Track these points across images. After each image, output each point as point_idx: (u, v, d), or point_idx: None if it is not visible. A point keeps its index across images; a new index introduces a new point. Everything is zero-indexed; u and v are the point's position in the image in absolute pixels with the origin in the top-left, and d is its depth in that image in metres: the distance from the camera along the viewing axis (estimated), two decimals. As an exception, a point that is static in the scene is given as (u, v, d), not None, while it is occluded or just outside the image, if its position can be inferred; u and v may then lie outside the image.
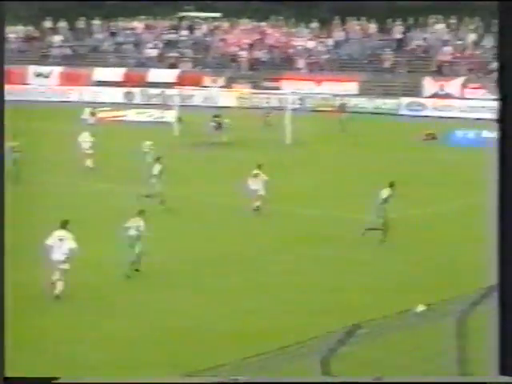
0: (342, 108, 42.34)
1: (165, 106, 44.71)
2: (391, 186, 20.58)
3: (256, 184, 23.29)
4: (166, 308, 15.74)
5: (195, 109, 44.11)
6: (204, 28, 56.69)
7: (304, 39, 53.29)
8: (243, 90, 48.93)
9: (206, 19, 57.50)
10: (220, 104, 47.14)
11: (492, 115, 47.28)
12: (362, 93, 48.25)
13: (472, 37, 49.17)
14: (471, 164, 27.18)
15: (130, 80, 51.97)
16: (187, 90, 45.66)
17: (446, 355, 10.10)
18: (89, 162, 29.53)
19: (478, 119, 42.53)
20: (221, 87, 49.70)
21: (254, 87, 49.51)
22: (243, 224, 22.06)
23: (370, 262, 18.70)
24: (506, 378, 8.65)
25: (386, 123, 42.06)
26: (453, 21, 50.34)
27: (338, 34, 52.97)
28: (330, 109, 46.38)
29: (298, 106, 45.28)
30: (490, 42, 48.56)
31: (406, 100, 46.70)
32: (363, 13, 53.13)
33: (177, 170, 27.88)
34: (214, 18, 57.74)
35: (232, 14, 57.56)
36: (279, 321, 15.00)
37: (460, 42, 49.24)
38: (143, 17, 57.60)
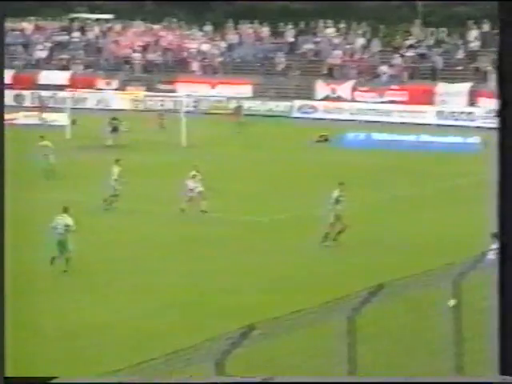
0: (238, 111, 42.57)
1: (56, 109, 43.95)
2: (341, 184, 20.90)
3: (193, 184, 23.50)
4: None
5: (90, 112, 43.60)
6: (96, 30, 56.05)
7: (198, 42, 53.54)
8: (138, 92, 48.72)
9: (97, 21, 56.85)
10: (114, 107, 46.77)
11: (382, 117, 48.81)
12: (256, 96, 48.90)
13: (360, 41, 50.70)
14: (362, 164, 28.15)
15: (20, 82, 50.76)
16: (80, 93, 45.11)
17: (335, 354, 10.38)
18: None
19: (368, 122, 44.03)
20: (115, 90, 49.33)
21: (149, 90, 49.37)
22: (136, 228, 22.10)
23: (263, 265, 19.09)
24: (506, 378, 8.63)
25: (279, 125, 42.79)
26: (342, 25, 51.75)
27: (232, 37, 53.51)
28: (224, 111, 46.84)
29: (192, 109, 45.47)
30: (377, 46, 50.23)
31: (298, 103, 47.64)
32: (256, 16, 53.88)
33: (65, 172, 27.55)
34: (107, 20, 57.18)
35: (125, 15, 57.16)
36: (174, 322, 15.19)
37: (349, 46, 50.67)
38: (32, 18, 56.37)
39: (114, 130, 35.88)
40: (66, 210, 18.82)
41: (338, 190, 20.64)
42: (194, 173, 24.24)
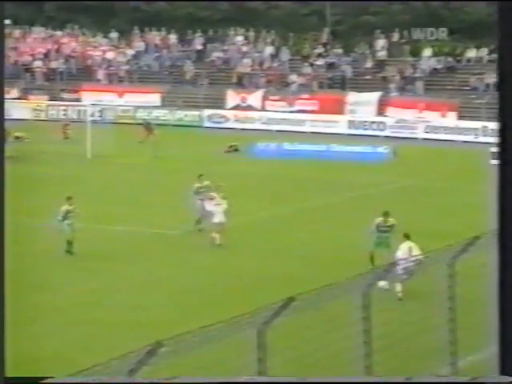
0: (149, 128, 40.06)
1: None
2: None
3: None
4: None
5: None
6: (-6, 35, 54.74)
7: (103, 49, 52.99)
8: (39, 101, 47.81)
9: (-5, 26, 55.56)
10: (14, 116, 45.73)
11: (291, 127, 49.63)
12: (164, 105, 48.75)
13: (269, 49, 51.29)
14: (272, 175, 28.49)
15: None
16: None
17: (245, 369, 10.46)
18: None
19: (278, 131, 44.55)
20: (15, 99, 48.23)
21: (52, 99, 48.54)
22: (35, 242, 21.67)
23: (173, 278, 19.06)
24: (506, 378, 8.69)
25: (189, 135, 42.77)
26: (251, 33, 52.23)
27: (138, 45, 53.19)
28: (131, 121, 46.48)
29: (98, 118, 44.96)
30: (286, 54, 50.93)
31: (207, 112, 47.76)
32: (163, 23, 53.77)
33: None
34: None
35: (23, 21, 56.04)
36: (78, 341, 15.00)
37: (258, 55, 51.18)
38: None
39: (15, 141, 35.14)
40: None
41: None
42: None
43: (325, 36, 51.28)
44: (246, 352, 10.51)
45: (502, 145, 8.47)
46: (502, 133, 8.48)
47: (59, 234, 20.30)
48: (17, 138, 37.50)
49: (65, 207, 20.32)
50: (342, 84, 48.26)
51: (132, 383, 8.31)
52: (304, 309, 10.74)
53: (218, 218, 21.71)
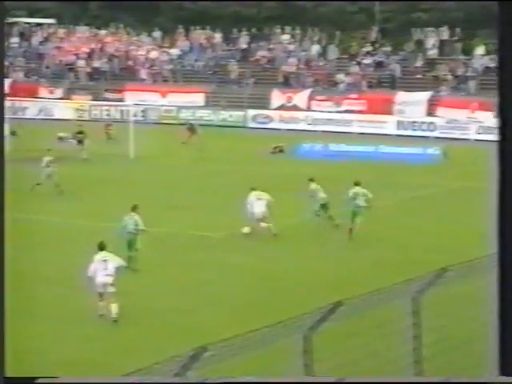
0: (192, 129, 40.45)
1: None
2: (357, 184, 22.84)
3: None
4: None
5: (30, 122, 43.18)
6: (37, 35, 55.55)
7: (146, 48, 53.42)
8: (84, 101, 48.40)
9: (39, 25, 56.37)
10: (57, 116, 46.43)
11: (339, 127, 49.29)
12: (208, 105, 48.98)
13: (316, 48, 51.18)
14: (318, 176, 28.33)
15: (-46, 91, 50.06)
16: (20, 102, 44.68)
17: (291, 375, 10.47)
18: None
19: (325, 132, 44.44)
20: (59, 99, 48.94)
21: (95, 99, 49.11)
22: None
23: (215, 281, 19.16)
24: (506, 378, 8.78)
25: (232, 136, 42.91)
26: (297, 31, 52.19)
27: (182, 44, 53.51)
28: (175, 121, 46.81)
29: (140, 119, 45.38)
30: (333, 54, 50.77)
31: (252, 112, 47.85)
32: (208, 22, 54.01)
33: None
34: (48, 25, 56.72)
35: (68, 20, 56.80)
36: (121, 344, 15.15)
37: (304, 53, 51.12)
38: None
39: (80, 142, 35.50)
40: (134, 209, 19.60)
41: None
42: None
43: (373, 34, 51.00)
44: (291, 357, 10.51)
45: (503, 142, 8.59)
46: (503, 131, 8.60)
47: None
48: (60, 138, 38.04)
49: (127, 216, 19.78)
50: (391, 83, 47.97)
51: (143, 383, 8.40)
52: (352, 314, 10.71)
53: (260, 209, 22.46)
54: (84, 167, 33.15)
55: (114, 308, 16.30)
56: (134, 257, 19.34)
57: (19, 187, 29.08)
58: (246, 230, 22.60)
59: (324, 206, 23.60)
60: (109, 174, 32.00)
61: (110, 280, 16.38)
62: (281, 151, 38.51)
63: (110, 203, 25.68)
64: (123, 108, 45.62)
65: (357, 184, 23.12)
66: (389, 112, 45.65)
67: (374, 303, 10.84)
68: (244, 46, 52.48)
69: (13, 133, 38.35)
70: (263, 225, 22.60)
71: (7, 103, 42.85)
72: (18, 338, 15.07)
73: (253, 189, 23.06)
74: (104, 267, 16.42)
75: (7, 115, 40.36)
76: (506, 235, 8.66)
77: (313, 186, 23.89)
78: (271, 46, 52.09)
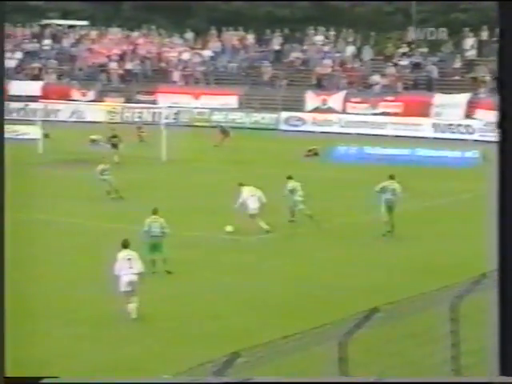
0: (224, 131, 40.71)
1: (27, 121, 43.89)
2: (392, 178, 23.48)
3: None
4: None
5: (63, 124, 43.54)
6: (70, 37, 56.04)
7: (178, 50, 53.63)
8: (115, 103, 48.70)
9: (71, 27, 56.87)
10: (89, 119, 46.75)
11: (373, 130, 49.02)
12: (241, 107, 49.01)
13: (351, 49, 51.00)
14: (354, 180, 28.30)
15: (-12, 93, 50.64)
16: (52, 104, 45.05)
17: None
18: None
19: (359, 134, 44.24)
20: (91, 101, 49.29)
21: (128, 101, 49.37)
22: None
23: (249, 287, 19.12)
24: (506, 378, 8.87)
25: (265, 139, 42.89)
26: (331, 32, 52.04)
27: (214, 45, 53.64)
28: (207, 124, 46.93)
29: (173, 121, 45.55)
30: (368, 54, 50.54)
31: (285, 114, 47.79)
32: (240, 23, 54.09)
33: (35, 189, 27.64)
34: (81, 26, 57.20)
35: (100, 22, 57.23)
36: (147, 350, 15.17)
37: (339, 55, 50.95)
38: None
39: (114, 146, 35.67)
40: (156, 212, 19.60)
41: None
42: None
43: (410, 35, 50.69)
44: (326, 364, 10.44)
45: (503, 144, 8.59)
46: (503, 131, 8.60)
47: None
48: (93, 140, 38.30)
49: (150, 219, 19.80)
50: (429, 85, 47.61)
51: (145, 383, 8.39)
52: (388, 321, 10.62)
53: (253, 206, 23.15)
54: (116, 171, 33.30)
55: (133, 308, 16.29)
56: (157, 260, 19.32)
57: (55, 190, 29.26)
58: (229, 228, 22.98)
59: (302, 203, 24.03)
60: (140, 178, 32.12)
61: (135, 278, 16.37)
62: (315, 154, 38.37)
63: (141, 206, 25.75)
64: (155, 110, 45.81)
65: (391, 178, 23.24)
66: (426, 114, 45.30)
67: (412, 309, 10.73)
68: (277, 47, 52.45)
69: (46, 135, 38.76)
70: (257, 221, 23.00)
71: (40, 105, 43.38)
72: (61, 341, 15.20)
73: (241, 184, 24.04)
74: (129, 266, 16.43)
75: (40, 117, 40.94)
76: (506, 235, 8.70)
77: (291, 183, 24.43)
78: (305, 48, 52.01)
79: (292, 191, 24.19)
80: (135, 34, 55.58)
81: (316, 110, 47.91)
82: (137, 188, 29.90)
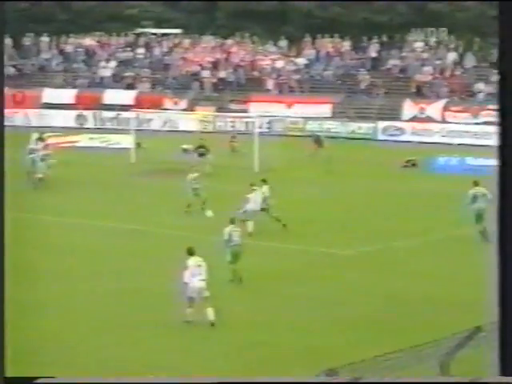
0: (319, 141, 40.48)
1: (120, 131, 44.88)
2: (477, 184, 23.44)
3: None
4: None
5: (155, 133, 44.31)
6: (163, 45, 57.07)
7: (272, 58, 53.88)
8: (207, 112, 49.25)
9: (165, 36, 57.91)
10: (181, 128, 47.44)
11: (475, 140, 47.92)
12: (336, 116, 48.86)
13: (452, 56, 50.18)
14: (456, 193, 27.73)
15: (82, 102, 52.07)
16: (145, 113, 45.90)
17: None
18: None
19: (460, 144, 43.43)
20: (183, 110, 50.01)
21: (219, 110, 49.86)
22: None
23: (347, 302, 18.97)
24: (506, 379, 8.95)
25: (362, 149, 42.59)
26: (432, 38, 51.35)
27: (309, 53, 53.69)
28: (300, 133, 46.93)
29: (266, 130, 45.77)
30: (471, 61, 49.61)
31: (382, 124, 47.38)
32: (336, 30, 53.95)
33: (129, 199, 28.12)
34: (175, 35, 58.18)
35: (194, 30, 58.07)
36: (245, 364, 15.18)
37: (439, 62, 50.20)
38: (96, 33, 57.82)
39: (201, 155, 36.16)
40: (233, 221, 20.15)
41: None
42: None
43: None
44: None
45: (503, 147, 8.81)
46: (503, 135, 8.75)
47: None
48: (184, 150, 38.84)
49: (229, 228, 20.10)
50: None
51: (140, 383, 8.37)
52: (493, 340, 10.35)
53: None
54: (208, 181, 33.65)
55: (211, 312, 16.68)
56: (238, 269, 19.57)
57: (148, 200, 29.73)
58: (250, 227, 23.65)
59: (267, 210, 24.81)
60: (232, 188, 32.36)
61: (204, 285, 16.78)
62: (413, 165, 37.88)
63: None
64: (248, 119, 46.13)
65: (476, 184, 22.72)
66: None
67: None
68: (374, 54, 52.10)
69: (138, 144, 39.52)
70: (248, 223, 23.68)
71: (132, 114, 44.29)
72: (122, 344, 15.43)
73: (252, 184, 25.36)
74: (199, 272, 16.85)
75: (133, 126, 41.81)
76: (506, 236, 8.74)
77: (264, 188, 25.44)
78: (403, 54, 51.49)
79: (265, 198, 24.92)
80: (229, 41, 56.15)
81: (413, 119, 47.33)
82: (228, 198, 30.10)
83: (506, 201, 8.77)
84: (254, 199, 24.84)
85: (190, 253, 17.21)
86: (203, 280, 16.85)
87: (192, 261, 17.03)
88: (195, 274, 16.84)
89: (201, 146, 36.54)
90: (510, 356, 8.83)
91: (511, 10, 8.70)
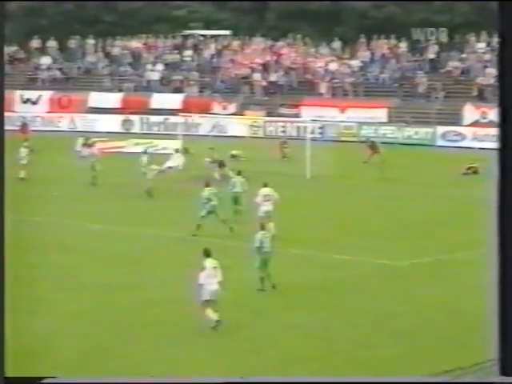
0: (374, 147, 39.94)
1: (167, 136, 44.84)
2: None
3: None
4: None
5: (203, 138, 44.20)
6: (212, 47, 56.98)
7: (325, 60, 53.42)
8: (257, 117, 48.98)
9: (213, 37, 57.84)
10: (230, 133, 47.24)
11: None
12: (392, 121, 48.29)
13: (517, 57, 49.21)
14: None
15: (129, 106, 52.23)
16: (193, 118, 45.77)
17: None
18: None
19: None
20: (232, 114, 49.79)
21: (269, 114, 49.57)
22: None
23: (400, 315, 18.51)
24: (507, 379, 9.07)
25: (418, 155, 42.01)
26: (495, 38, 50.44)
27: (363, 55, 53.13)
28: (354, 139, 46.43)
29: (318, 136, 45.36)
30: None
31: (442, 129, 46.65)
32: (393, 30, 53.28)
33: (173, 206, 27.95)
34: (223, 36, 58.07)
35: (243, 31, 57.90)
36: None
37: (503, 63, 49.26)
38: (143, 35, 58.03)
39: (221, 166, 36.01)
40: (263, 227, 20.06)
41: None
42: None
43: None
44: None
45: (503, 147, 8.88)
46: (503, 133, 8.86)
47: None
48: (233, 156, 38.63)
49: (260, 235, 19.82)
50: None
51: (141, 383, 8.29)
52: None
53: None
54: (258, 187, 33.39)
55: (215, 316, 16.78)
56: (266, 277, 19.54)
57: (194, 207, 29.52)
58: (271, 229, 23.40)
59: (213, 212, 25.04)
60: (284, 195, 32.00)
61: (218, 287, 16.94)
62: (475, 172, 37.15)
63: (284, 225, 25.54)
64: (300, 124, 45.77)
65: None
66: None
67: None
68: (432, 56, 51.37)
69: (185, 150, 39.39)
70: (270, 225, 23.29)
71: (180, 119, 44.23)
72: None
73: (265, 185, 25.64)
74: (214, 274, 16.96)
75: (181, 132, 41.71)
76: (506, 236, 8.84)
77: (207, 191, 25.22)
78: (464, 56, 50.66)
79: (208, 199, 25.04)
80: (279, 43, 55.85)
81: (475, 123, 46.51)
82: (279, 206, 29.75)
83: (506, 203, 8.78)
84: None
85: (207, 254, 17.24)
86: (218, 283, 16.95)
87: (209, 262, 17.10)
88: (211, 276, 16.90)
89: (233, 156, 36.43)
90: (510, 356, 8.94)
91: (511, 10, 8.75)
